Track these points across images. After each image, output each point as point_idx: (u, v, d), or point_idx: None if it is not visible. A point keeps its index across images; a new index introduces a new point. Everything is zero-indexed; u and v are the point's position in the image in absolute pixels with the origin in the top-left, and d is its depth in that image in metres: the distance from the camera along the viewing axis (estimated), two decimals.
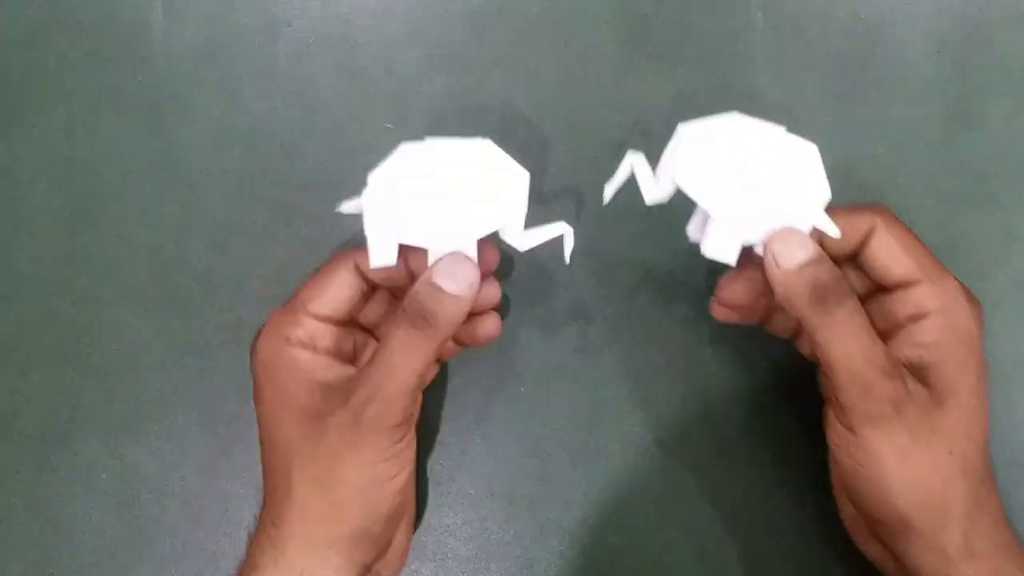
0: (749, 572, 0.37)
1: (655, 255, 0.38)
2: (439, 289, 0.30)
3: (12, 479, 0.37)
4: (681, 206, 0.32)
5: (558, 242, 0.32)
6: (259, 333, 0.32)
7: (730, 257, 0.31)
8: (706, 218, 0.31)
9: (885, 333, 0.32)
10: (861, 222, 0.31)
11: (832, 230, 0.31)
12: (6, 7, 0.39)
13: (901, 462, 0.29)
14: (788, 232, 0.30)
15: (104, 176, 0.38)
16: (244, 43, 0.39)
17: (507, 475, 0.37)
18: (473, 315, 0.33)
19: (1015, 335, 0.37)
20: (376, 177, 0.31)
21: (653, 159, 0.31)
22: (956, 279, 0.31)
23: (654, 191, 0.31)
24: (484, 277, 0.32)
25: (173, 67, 0.38)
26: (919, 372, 0.30)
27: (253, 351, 0.32)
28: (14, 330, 0.38)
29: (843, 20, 0.38)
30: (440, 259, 0.31)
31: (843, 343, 0.29)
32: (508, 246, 0.32)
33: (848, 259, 0.33)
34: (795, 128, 0.38)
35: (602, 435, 0.37)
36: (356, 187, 0.30)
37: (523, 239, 0.32)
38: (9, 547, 0.37)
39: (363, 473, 0.30)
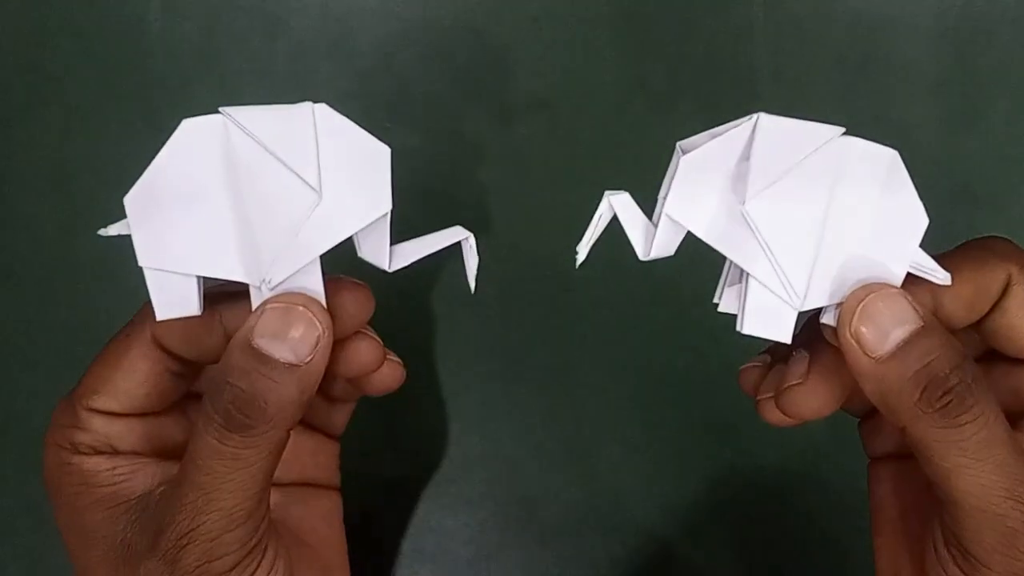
0: (748, 573, 0.37)
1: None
2: (263, 359, 0.20)
3: (12, 480, 0.37)
4: None
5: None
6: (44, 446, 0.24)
7: (784, 333, 0.22)
8: (740, 276, 0.22)
9: (1011, 417, 0.22)
10: (991, 278, 0.22)
11: (939, 274, 0.22)
12: (3, 7, 0.39)
13: None
14: (873, 293, 0.21)
15: (102, 176, 0.38)
16: (242, 43, 0.38)
17: (506, 477, 0.37)
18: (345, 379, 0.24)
19: None
20: (146, 180, 0.21)
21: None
22: None
23: (650, 241, 0.22)
24: (349, 331, 0.22)
25: (171, 67, 0.38)
26: None
27: (44, 475, 0.24)
28: (13, 331, 0.38)
29: (844, 20, 0.38)
30: (263, 304, 0.21)
31: (978, 473, 0.20)
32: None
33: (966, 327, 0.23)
34: None
35: (602, 437, 0.37)
36: None
37: (391, 254, 0.22)
38: (9, 548, 0.37)
39: None
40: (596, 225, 0.22)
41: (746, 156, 0.21)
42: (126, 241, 0.22)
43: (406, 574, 0.37)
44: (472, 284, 0.23)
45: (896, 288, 0.21)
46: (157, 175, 0.21)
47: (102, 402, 0.23)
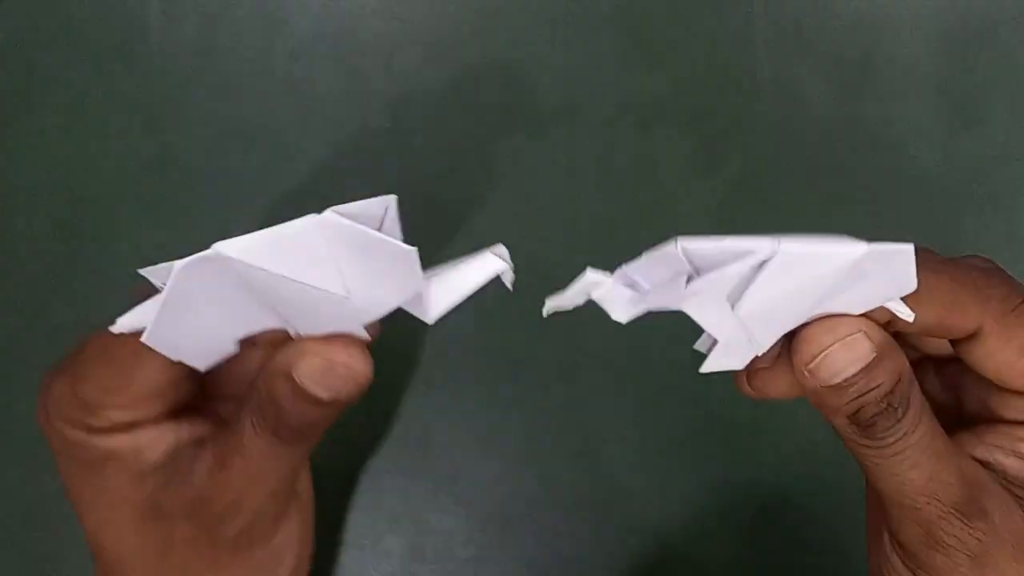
0: (749, 573, 0.37)
1: None
2: (308, 396, 0.21)
3: (12, 479, 0.37)
4: None
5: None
6: (43, 407, 0.24)
7: (735, 364, 0.23)
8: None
9: (976, 416, 0.24)
10: (962, 319, 0.21)
11: (904, 312, 0.21)
12: (3, 7, 0.39)
13: None
14: (837, 342, 0.21)
15: (101, 176, 0.38)
16: (242, 42, 0.38)
17: (506, 478, 0.37)
18: None
19: None
20: (157, 325, 0.21)
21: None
22: None
23: (630, 311, 0.22)
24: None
25: (170, 66, 0.38)
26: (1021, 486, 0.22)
27: (46, 435, 0.24)
28: (12, 331, 0.38)
29: (845, 19, 0.38)
30: (310, 349, 0.21)
31: (897, 472, 0.21)
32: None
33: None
34: (795, 127, 0.38)
35: (603, 437, 0.37)
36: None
37: (428, 305, 0.21)
38: (9, 547, 0.37)
39: None
40: (569, 294, 0.23)
41: (754, 270, 0.20)
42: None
43: (405, 575, 0.37)
44: (510, 287, 0.23)
45: (860, 328, 0.21)
46: (166, 319, 0.21)
47: (121, 402, 0.23)
